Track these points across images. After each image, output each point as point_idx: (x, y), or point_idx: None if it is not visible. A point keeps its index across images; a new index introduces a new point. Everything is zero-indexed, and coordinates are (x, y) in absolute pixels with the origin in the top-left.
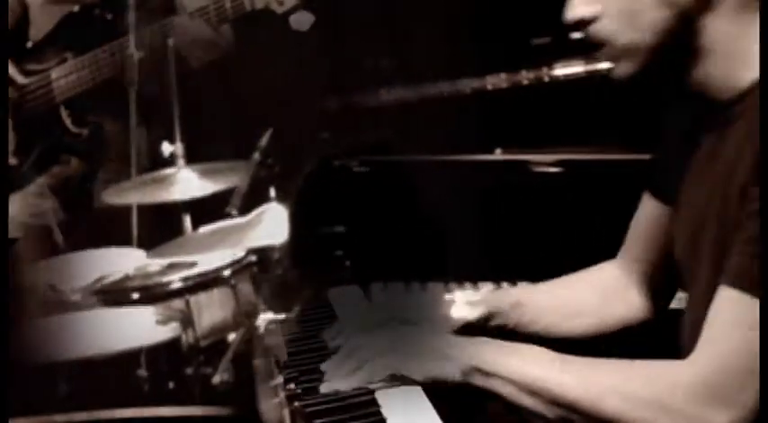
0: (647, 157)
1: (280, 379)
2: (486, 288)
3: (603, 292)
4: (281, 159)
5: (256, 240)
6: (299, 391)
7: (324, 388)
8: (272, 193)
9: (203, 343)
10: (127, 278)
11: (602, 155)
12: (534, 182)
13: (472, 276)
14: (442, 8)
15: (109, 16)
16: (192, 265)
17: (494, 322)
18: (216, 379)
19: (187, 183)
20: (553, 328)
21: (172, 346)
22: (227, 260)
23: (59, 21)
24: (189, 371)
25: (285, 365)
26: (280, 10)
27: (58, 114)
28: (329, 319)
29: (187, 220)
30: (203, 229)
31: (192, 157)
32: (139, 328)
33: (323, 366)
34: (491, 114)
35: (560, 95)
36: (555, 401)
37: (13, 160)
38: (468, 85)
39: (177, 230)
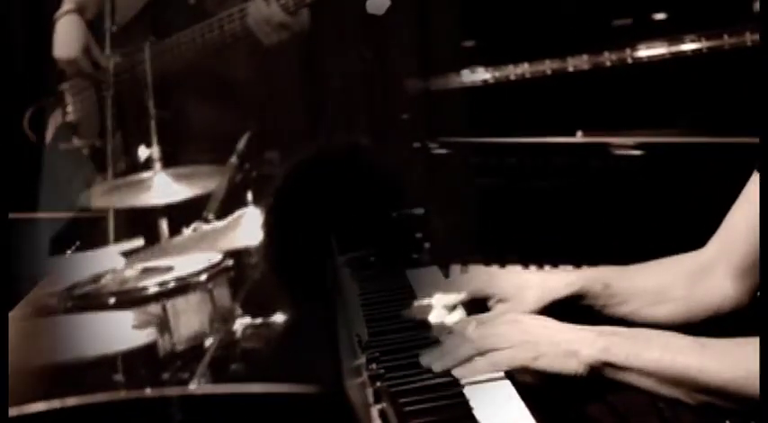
0: (729, 140)
1: (362, 359)
2: (566, 269)
3: (693, 279)
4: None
5: (233, 244)
6: (382, 370)
7: (436, 367)
8: (249, 197)
9: (180, 348)
10: (103, 283)
11: (684, 138)
12: (615, 165)
13: (551, 258)
14: None
15: (192, 1)
16: (169, 269)
17: (583, 302)
18: (193, 384)
19: (163, 187)
20: (640, 312)
21: (148, 351)
22: (204, 264)
23: (144, 5)
24: (166, 376)
25: (367, 345)
26: None
27: (142, 97)
28: (409, 301)
29: (164, 225)
30: (180, 234)
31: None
32: (116, 333)
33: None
34: (572, 96)
35: (642, 77)
36: (699, 388)
37: (98, 142)
38: (549, 66)
39: (154, 235)
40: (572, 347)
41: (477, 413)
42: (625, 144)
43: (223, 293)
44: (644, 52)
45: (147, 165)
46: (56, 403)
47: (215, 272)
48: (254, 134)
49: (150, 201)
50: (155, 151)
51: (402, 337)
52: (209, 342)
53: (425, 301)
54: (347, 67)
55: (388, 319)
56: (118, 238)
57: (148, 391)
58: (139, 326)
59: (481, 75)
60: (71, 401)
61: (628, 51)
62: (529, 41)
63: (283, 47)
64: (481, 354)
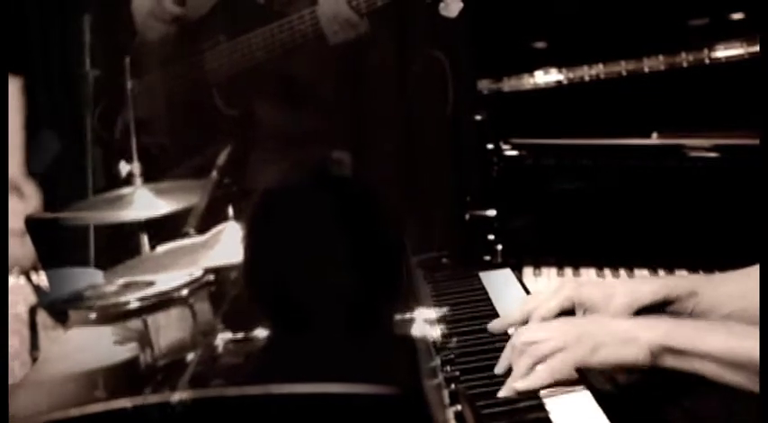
0: None
1: (437, 361)
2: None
3: None
4: None
5: (214, 260)
6: (457, 373)
7: (503, 392)
8: (230, 211)
9: (161, 363)
10: (82, 298)
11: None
12: (690, 167)
13: (625, 261)
14: None
15: (261, 1)
16: (150, 284)
17: (669, 308)
18: (174, 399)
19: (144, 202)
20: (727, 320)
21: (129, 366)
22: (185, 279)
23: (214, 4)
24: (147, 391)
25: (442, 347)
26: None
27: (211, 96)
28: (482, 303)
29: (144, 239)
30: (160, 249)
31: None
32: (96, 348)
33: (497, 369)
34: (648, 98)
35: (719, 78)
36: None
37: (166, 141)
38: (624, 67)
39: (134, 250)
40: (631, 334)
41: (553, 416)
42: (701, 146)
43: (204, 308)
44: (722, 53)
45: (128, 180)
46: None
47: (196, 286)
48: (234, 149)
49: (131, 215)
50: (135, 166)
51: (476, 340)
52: (190, 357)
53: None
54: (419, 68)
55: (462, 320)
56: (98, 254)
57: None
58: (120, 341)
59: (555, 76)
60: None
61: (705, 52)
62: (604, 42)
63: (352, 47)
64: (541, 361)
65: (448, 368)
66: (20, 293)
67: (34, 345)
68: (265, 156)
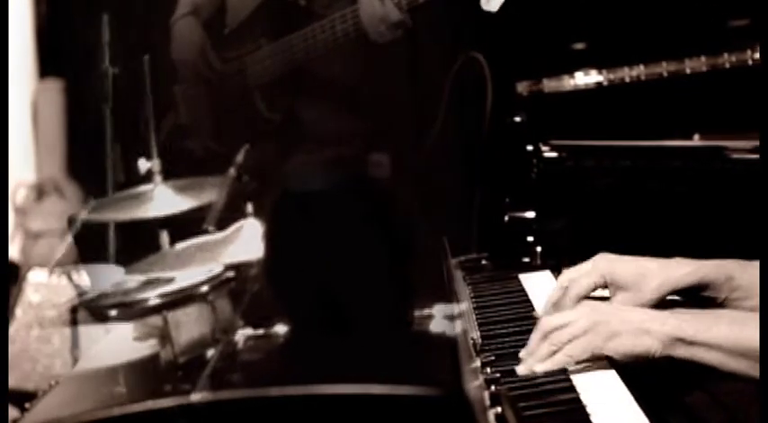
0: None
1: (477, 362)
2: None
3: None
4: None
5: (234, 256)
6: (498, 375)
7: (520, 370)
8: (249, 208)
9: (181, 359)
10: (104, 295)
11: None
12: (732, 168)
13: None
14: None
15: (302, 2)
16: (170, 281)
17: (705, 293)
18: (195, 395)
19: (164, 199)
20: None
21: (150, 362)
22: (205, 276)
23: (255, 8)
24: (167, 387)
25: (482, 349)
26: None
27: (253, 99)
28: (521, 304)
29: (164, 236)
30: (180, 245)
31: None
32: (117, 344)
33: (522, 353)
34: (689, 99)
35: (761, 79)
36: None
37: (211, 144)
38: (665, 68)
39: (154, 246)
40: (644, 326)
41: (594, 419)
42: (743, 147)
43: (224, 305)
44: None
45: (148, 177)
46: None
47: (216, 283)
48: (251, 146)
49: (151, 213)
50: (155, 164)
51: (516, 341)
52: (210, 353)
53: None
54: (459, 69)
55: (502, 322)
56: (118, 251)
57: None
58: (141, 337)
59: (595, 77)
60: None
61: (748, 52)
62: (644, 43)
63: (393, 47)
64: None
65: (488, 370)
66: (61, 293)
67: (75, 343)
68: (305, 158)
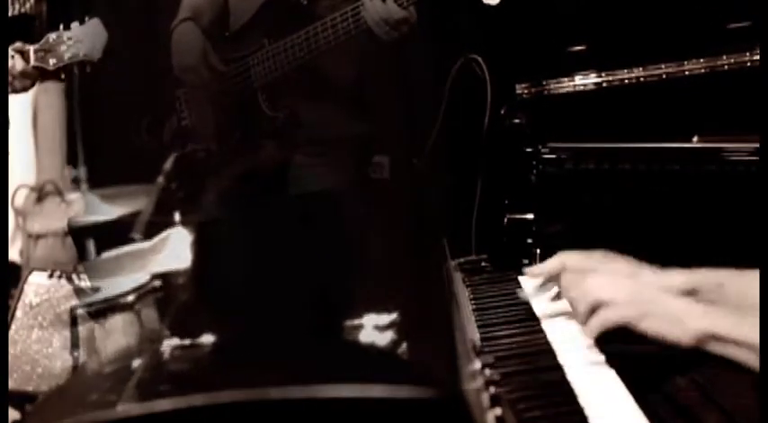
0: None
1: (477, 364)
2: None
3: None
4: None
5: (161, 265)
6: (497, 376)
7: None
8: (177, 217)
9: (107, 369)
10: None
11: None
12: (731, 170)
13: (665, 266)
14: None
15: (304, 2)
16: (95, 290)
17: (697, 300)
18: (120, 406)
19: (90, 207)
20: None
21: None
22: (131, 285)
23: (258, 8)
24: (93, 397)
25: (481, 351)
26: None
27: (255, 100)
28: (521, 306)
29: (90, 245)
30: (107, 254)
31: None
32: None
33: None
34: (689, 101)
35: (760, 81)
36: None
37: (212, 146)
38: (664, 70)
39: (81, 253)
40: (681, 316)
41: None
42: (742, 149)
43: (151, 314)
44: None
45: (75, 185)
46: None
47: (142, 292)
48: (181, 154)
49: (78, 206)
50: (81, 171)
51: (515, 343)
52: (136, 363)
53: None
54: (458, 71)
55: (501, 324)
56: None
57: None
58: (67, 347)
59: (594, 79)
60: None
61: (747, 55)
62: (643, 45)
63: (392, 48)
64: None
65: (488, 371)
66: (61, 294)
67: (75, 345)
68: (308, 159)
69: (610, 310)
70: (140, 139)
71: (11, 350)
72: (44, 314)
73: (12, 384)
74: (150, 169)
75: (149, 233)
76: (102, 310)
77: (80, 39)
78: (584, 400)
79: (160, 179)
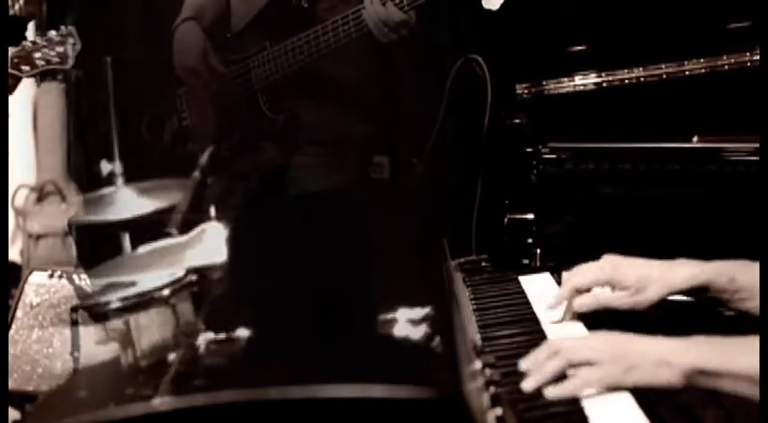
0: None
1: (477, 364)
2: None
3: None
4: None
5: (196, 260)
6: (498, 376)
7: (526, 386)
8: (212, 211)
9: (143, 363)
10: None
11: None
12: (731, 170)
13: None
14: None
15: (305, 4)
16: (131, 284)
17: (709, 294)
18: (156, 400)
19: (126, 202)
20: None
21: (111, 366)
22: (167, 280)
23: (259, 10)
24: (129, 391)
25: (482, 351)
26: None
27: (256, 101)
28: (521, 306)
29: (126, 240)
30: (142, 249)
31: None
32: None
33: (523, 364)
34: (689, 101)
35: (760, 80)
36: None
37: (213, 146)
38: (664, 70)
39: (116, 250)
40: (665, 357)
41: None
42: (742, 149)
43: (186, 308)
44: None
45: (110, 180)
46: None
47: (178, 287)
48: (217, 148)
49: (113, 216)
50: (117, 166)
51: (515, 343)
52: (171, 357)
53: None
54: (459, 71)
55: (502, 324)
56: (81, 254)
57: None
58: (102, 341)
59: (595, 79)
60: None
61: (747, 55)
62: (644, 45)
63: (393, 49)
64: (572, 367)
65: (488, 371)
66: (62, 294)
67: (75, 345)
68: (308, 160)
69: (593, 372)
70: (141, 137)
71: (11, 350)
72: (44, 314)
73: (12, 384)
74: (151, 167)
75: (185, 227)
76: (138, 304)
77: (53, 47)
78: (584, 399)
79: (196, 173)
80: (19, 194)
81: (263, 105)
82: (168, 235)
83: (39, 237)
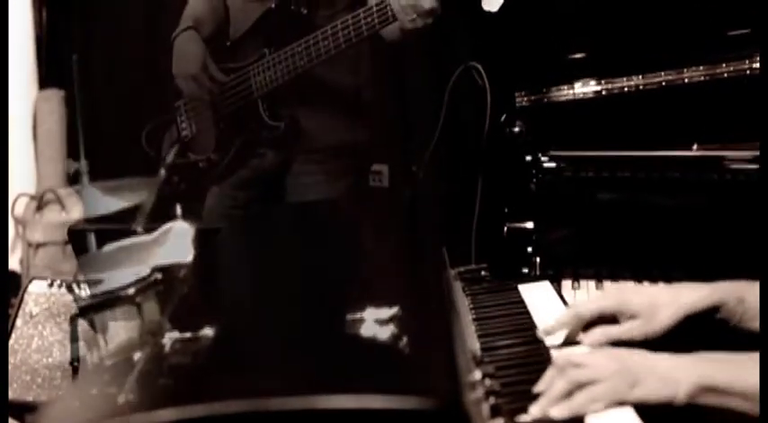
0: None
1: (477, 374)
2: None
3: None
4: None
5: (162, 258)
6: (497, 387)
7: (534, 411)
8: (178, 210)
9: (108, 362)
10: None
11: None
12: (731, 178)
13: (664, 274)
14: (636, 0)
15: (304, 11)
16: (97, 283)
17: (719, 315)
18: (121, 398)
19: (91, 200)
20: None
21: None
22: (132, 278)
23: (258, 18)
24: (94, 391)
25: (481, 361)
26: None
27: (256, 109)
28: (521, 315)
29: (91, 238)
30: (108, 247)
31: None
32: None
33: (537, 387)
34: (688, 109)
35: (760, 88)
36: None
37: (213, 155)
38: (664, 78)
39: (81, 248)
40: (670, 374)
41: None
42: (742, 157)
43: (151, 307)
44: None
45: (75, 178)
46: None
47: (144, 285)
48: (182, 147)
49: (78, 214)
50: (82, 165)
51: (516, 353)
52: (137, 356)
53: (553, 325)
54: (458, 78)
55: (501, 334)
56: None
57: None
58: (67, 357)
59: (594, 87)
60: None
61: (746, 62)
62: (643, 53)
63: (392, 56)
64: (579, 387)
65: (488, 381)
66: (61, 303)
67: (75, 354)
68: (307, 167)
69: (600, 388)
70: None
71: (10, 359)
72: (44, 323)
73: (11, 394)
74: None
75: (150, 226)
76: (103, 302)
77: None
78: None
79: (162, 172)
80: (19, 203)
81: (263, 113)
82: (134, 233)
83: (38, 245)
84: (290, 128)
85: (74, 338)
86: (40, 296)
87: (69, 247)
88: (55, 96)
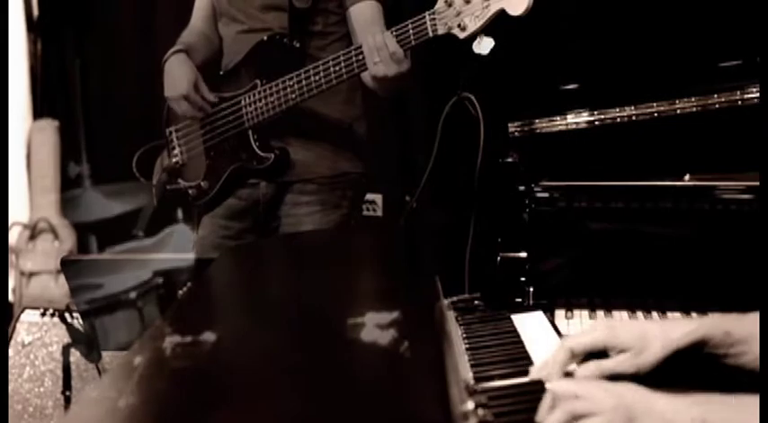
0: None
1: (470, 405)
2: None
3: None
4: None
5: (163, 262)
6: (490, 417)
7: None
8: (179, 214)
9: (108, 365)
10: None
11: None
12: (724, 208)
13: (658, 304)
14: (628, 32)
15: (297, 44)
16: (98, 287)
17: (706, 350)
18: (121, 401)
19: (93, 204)
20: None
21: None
22: (134, 282)
23: (250, 49)
24: (93, 394)
25: (474, 391)
26: (462, 35)
27: (247, 139)
28: (514, 345)
29: (93, 242)
30: (109, 251)
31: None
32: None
33: (538, 417)
34: (680, 139)
35: (751, 119)
36: None
37: (203, 183)
38: (656, 109)
39: (82, 252)
40: (668, 416)
41: None
42: (734, 187)
43: (152, 311)
44: (754, 94)
45: (77, 182)
46: None
47: (145, 289)
48: (171, 171)
49: (80, 217)
50: (84, 168)
51: (508, 384)
52: (137, 360)
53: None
54: (451, 107)
55: (494, 363)
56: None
57: None
58: (59, 386)
59: (586, 118)
60: None
61: (737, 93)
62: (635, 84)
63: (387, 88)
64: (575, 418)
65: (480, 411)
66: (54, 333)
67: (67, 384)
68: (299, 197)
69: (595, 421)
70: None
71: None
72: (36, 353)
73: None
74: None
75: (151, 230)
76: (104, 306)
77: None
78: None
79: (163, 175)
80: (12, 232)
81: (253, 143)
82: (135, 237)
83: (31, 274)
84: (281, 159)
85: (66, 368)
86: (32, 325)
87: (62, 277)
88: (49, 126)
